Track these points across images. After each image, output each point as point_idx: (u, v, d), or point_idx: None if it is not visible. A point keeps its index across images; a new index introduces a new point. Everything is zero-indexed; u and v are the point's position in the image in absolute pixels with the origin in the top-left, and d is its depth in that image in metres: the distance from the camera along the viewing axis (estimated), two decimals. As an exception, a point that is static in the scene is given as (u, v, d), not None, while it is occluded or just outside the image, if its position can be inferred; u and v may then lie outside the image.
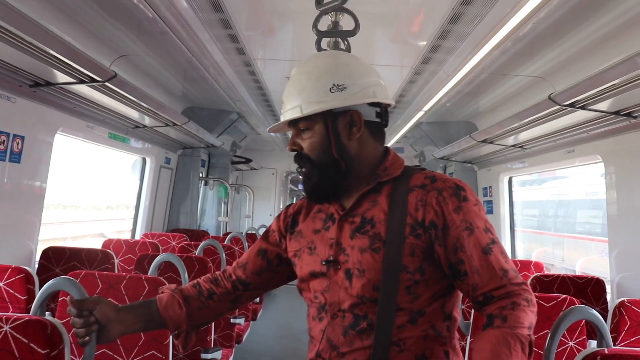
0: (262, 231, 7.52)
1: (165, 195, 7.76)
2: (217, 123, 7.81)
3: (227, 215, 9.74)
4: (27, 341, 1.77)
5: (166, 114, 5.41)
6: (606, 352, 1.68)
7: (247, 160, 11.03)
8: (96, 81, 3.82)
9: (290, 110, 1.54)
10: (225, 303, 1.79)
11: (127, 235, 7.42)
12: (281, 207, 12.86)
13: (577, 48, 4.00)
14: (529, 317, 1.35)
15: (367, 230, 1.49)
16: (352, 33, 2.20)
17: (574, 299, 2.95)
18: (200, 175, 8.82)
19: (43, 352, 1.77)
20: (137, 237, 7.04)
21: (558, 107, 3.95)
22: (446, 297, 1.49)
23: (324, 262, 1.53)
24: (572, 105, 3.87)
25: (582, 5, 3.28)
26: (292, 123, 1.57)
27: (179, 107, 7.16)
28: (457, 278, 1.43)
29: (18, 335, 1.78)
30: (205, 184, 9.36)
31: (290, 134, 1.63)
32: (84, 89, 4.16)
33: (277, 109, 7.71)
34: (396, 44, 4.56)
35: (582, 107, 3.85)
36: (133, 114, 5.33)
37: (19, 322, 1.79)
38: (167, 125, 5.89)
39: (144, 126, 5.99)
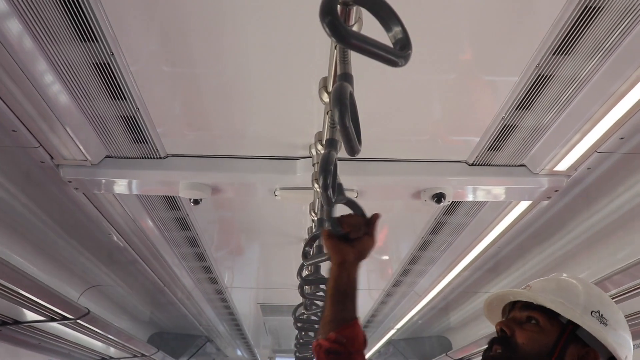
0: None
1: None
2: (185, 348, 7.48)
3: None
4: None
5: (135, 345, 5.16)
6: None
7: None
8: (68, 319, 3.67)
9: (543, 296, 1.43)
10: None
11: None
12: None
13: (544, 264, 4.09)
14: None
15: None
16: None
17: None
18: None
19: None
20: None
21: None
22: None
23: None
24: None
25: (543, 229, 3.44)
26: (524, 307, 1.45)
27: (146, 334, 6.87)
28: None
29: None
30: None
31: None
32: (53, 326, 3.98)
33: (247, 332, 7.52)
34: (368, 268, 4.63)
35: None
36: (99, 346, 5.06)
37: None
38: (134, 356, 5.58)
39: (110, 358, 5.66)
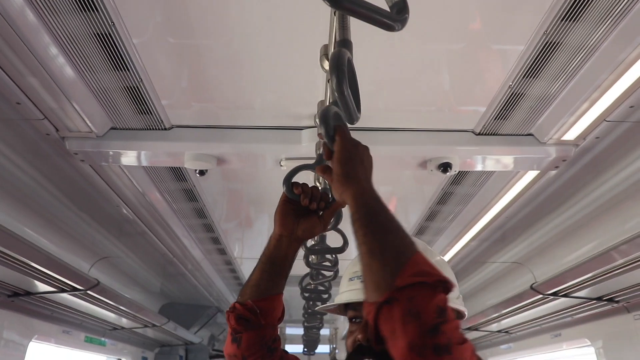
0: None
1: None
2: (195, 318, 7.60)
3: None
4: None
5: (145, 316, 5.24)
6: None
7: (225, 355, 10.51)
8: (78, 290, 3.72)
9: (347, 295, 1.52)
10: None
11: None
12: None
13: (551, 235, 4.11)
14: None
15: None
16: (341, 250, 2.21)
17: None
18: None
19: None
20: None
21: (541, 296, 3.93)
22: None
23: None
24: (554, 294, 3.87)
25: (551, 199, 3.43)
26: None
27: (157, 305, 6.98)
28: None
29: None
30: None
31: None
32: (64, 297, 4.04)
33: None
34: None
35: (565, 295, 3.85)
36: (111, 317, 5.14)
37: None
38: (145, 326, 5.67)
39: (122, 328, 5.77)
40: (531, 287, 4.00)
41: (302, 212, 1.46)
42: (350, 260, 1.65)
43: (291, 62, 2.18)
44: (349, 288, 1.57)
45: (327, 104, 1.49)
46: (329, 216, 1.47)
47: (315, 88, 2.22)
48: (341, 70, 1.02)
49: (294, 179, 1.45)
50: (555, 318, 4.88)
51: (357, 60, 1.18)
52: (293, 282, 2.74)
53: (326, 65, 1.48)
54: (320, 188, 1.51)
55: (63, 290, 3.72)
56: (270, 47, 2.08)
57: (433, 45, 2.07)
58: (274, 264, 1.48)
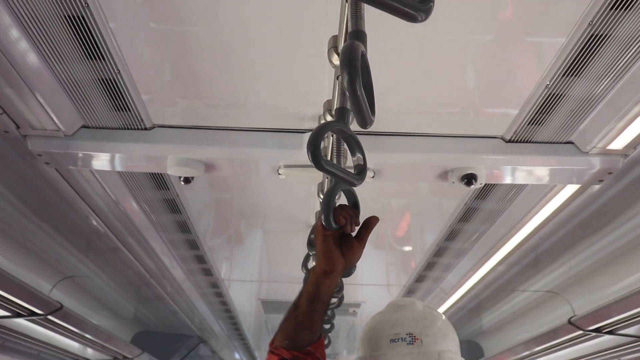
0: None
1: None
2: (174, 350, 7.57)
3: None
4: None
5: (115, 346, 5.24)
6: None
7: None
8: (36, 314, 3.71)
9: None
10: None
11: None
12: None
13: (593, 260, 4.09)
14: None
15: None
16: (348, 273, 2.21)
17: None
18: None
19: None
20: None
21: (581, 332, 3.92)
22: None
23: None
24: (597, 330, 3.84)
25: (593, 218, 3.42)
26: None
27: (130, 333, 6.95)
28: None
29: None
30: None
31: None
32: (19, 323, 4.03)
33: (246, 332, 7.60)
34: (387, 260, 4.64)
35: (610, 332, 3.83)
36: (75, 347, 5.13)
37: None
38: (115, 358, 5.66)
39: None
40: (569, 322, 3.99)
41: (342, 240, 1.51)
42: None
43: (293, 55, 2.18)
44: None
45: (336, 103, 1.49)
46: (366, 235, 1.53)
47: (320, 85, 2.22)
48: (354, 66, 1.01)
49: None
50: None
51: (368, 54, 1.18)
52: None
53: (335, 59, 1.48)
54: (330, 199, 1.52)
55: (18, 315, 3.71)
56: (268, 37, 2.08)
57: (457, 37, 2.06)
58: (323, 301, 1.57)
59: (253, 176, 3.07)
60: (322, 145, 1.69)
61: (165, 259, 4.52)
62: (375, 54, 1.17)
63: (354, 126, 1.33)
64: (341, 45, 1.43)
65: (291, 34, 2.06)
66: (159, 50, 2.18)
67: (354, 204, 1.53)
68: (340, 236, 1.49)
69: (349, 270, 1.68)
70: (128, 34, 2.06)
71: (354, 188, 1.46)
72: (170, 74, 2.36)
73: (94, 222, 3.74)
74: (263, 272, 5.33)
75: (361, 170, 1.35)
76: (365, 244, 1.52)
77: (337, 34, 1.48)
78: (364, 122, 1.10)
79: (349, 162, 1.45)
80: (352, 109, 1.07)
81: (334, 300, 3.25)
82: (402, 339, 1.75)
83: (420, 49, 2.12)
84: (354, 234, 1.52)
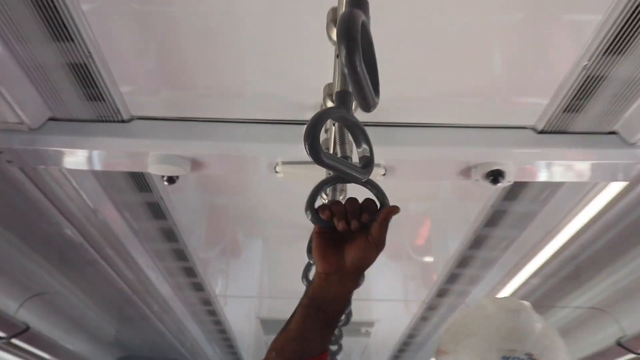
0: None
1: None
2: (161, 376, 7.60)
3: None
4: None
5: (92, 374, 5.22)
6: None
7: None
8: (-1, 337, 3.73)
9: None
10: None
11: None
12: None
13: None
14: None
15: None
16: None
17: None
18: None
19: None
20: None
21: (633, 355, 3.89)
22: None
23: None
24: (648, 352, 3.82)
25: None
26: None
27: (110, 359, 6.99)
28: None
29: None
30: None
31: None
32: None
33: (244, 355, 7.60)
34: (403, 273, 4.63)
35: (664, 356, 3.80)
36: (45, 374, 5.14)
37: None
38: (92, 387, 5.67)
39: (60, 390, 5.75)
40: (618, 343, 3.96)
41: (345, 238, 1.45)
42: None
43: (289, 36, 2.17)
44: None
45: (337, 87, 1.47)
46: (379, 231, 1.42)
47: (321, 69, 2.21)
48: (352, 37, 0.99)
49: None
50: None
51: (375, 33, 1.16)
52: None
53: (334, 34, 1.47)
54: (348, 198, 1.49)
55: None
56: (261, 16, 2.07)
57: (481, 15, 2.05)
58: (319, 308, 1.46)
59: (246, 175, 3.06)
60: (324, 137, 1.68)
61: (150, 273, 4.52)
62: (388, 34, 1.15)
63: (361, 116, 1.31)
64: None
65: (287, 12, 2.06)
66: (138, 31, 2.18)
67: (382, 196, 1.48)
68: (341, 234, 1.43)
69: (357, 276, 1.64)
70: (102, 11, 2.06)
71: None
72: (153, 59, 2.36)
73: (67, 231, 3.75)
74: (262, 286, 5.32)
75: (367, 163, 1.31)
76: (378, 241, 1.41)
77: (336, 5, 1.47)
78: (367, 104, 1.08)
79: (354, 158, 1.42)
80: (351, 89, 1.05)
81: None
82: (518, 358, 1.65)
83: (437, 28, 2.11)
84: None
